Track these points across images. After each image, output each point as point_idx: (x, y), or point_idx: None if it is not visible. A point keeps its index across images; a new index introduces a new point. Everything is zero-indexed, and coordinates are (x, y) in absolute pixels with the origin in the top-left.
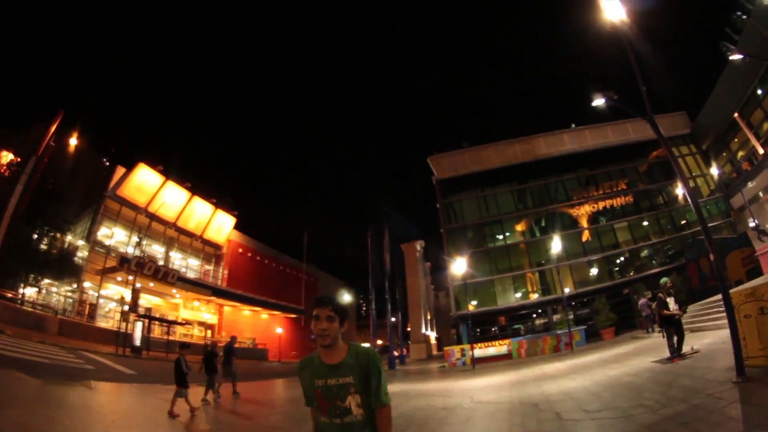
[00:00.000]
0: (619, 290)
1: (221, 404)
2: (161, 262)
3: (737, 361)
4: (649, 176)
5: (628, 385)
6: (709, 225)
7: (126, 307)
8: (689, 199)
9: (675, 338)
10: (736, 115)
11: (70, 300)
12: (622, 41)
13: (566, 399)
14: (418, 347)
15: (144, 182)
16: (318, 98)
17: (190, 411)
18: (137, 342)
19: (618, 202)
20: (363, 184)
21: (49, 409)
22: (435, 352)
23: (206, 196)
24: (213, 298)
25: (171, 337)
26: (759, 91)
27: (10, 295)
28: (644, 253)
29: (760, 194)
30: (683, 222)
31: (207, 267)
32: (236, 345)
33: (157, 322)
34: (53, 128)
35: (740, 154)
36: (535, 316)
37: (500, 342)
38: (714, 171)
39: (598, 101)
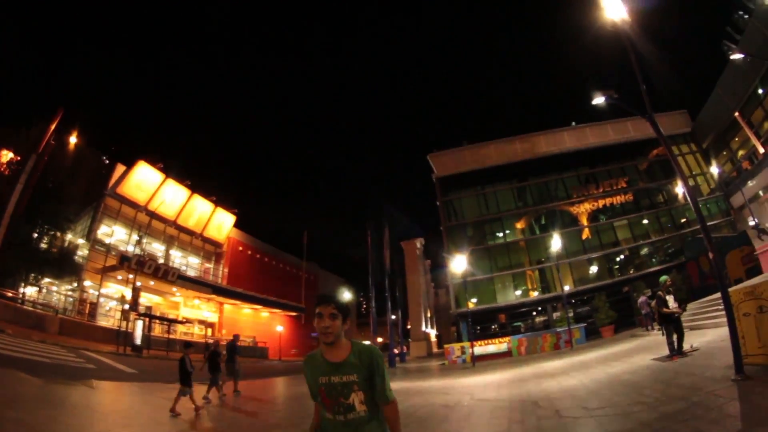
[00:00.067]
0: (618, 288)
1: (224, 402)
2: (161, 261)
3: (736, 359)
4: (650, 174)
5: (628, 382)
6: (709, 223)
7: (126, 306)
8: (689, 198)
9: (674, 336)
10: (736, 114)
11: (71, 299)
12: (622, 40)
13: (566, 396)
14: (418, 345)
15: (144, 180)
16: (318, 96)
17: (195, 409)
18: (138, 341)
19: (618, 200)
20: (363, 182)
21: (51, 409)
22: (435, 349)
23: (206, 194)
24: (213, 296)
25: (172, 336)
26: (760, 91)
27: (10, 294)
28: (644, 251)
29: (760, 193)
30: (683, 220)
31: (207, 265)
32: (238, 343)
33: (157, 321)
34: (53, 126)
35: (740, 153)
36: (535, 313)
37: (500, 340)
38: (714, 170)
39: (599, 100)
